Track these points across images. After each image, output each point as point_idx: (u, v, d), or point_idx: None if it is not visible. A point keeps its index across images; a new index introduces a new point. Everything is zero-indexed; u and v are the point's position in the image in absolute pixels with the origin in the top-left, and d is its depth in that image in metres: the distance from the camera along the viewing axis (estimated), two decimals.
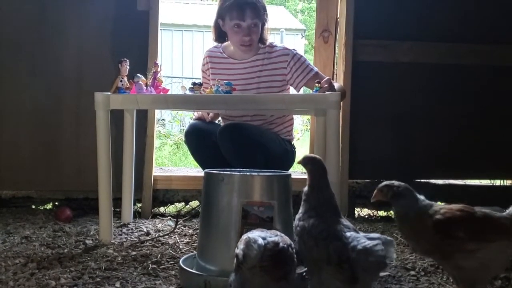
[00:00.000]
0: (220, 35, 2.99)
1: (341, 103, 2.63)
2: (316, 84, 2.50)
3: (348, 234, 1.64)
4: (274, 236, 1.56)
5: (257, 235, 1.53)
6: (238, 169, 2.16)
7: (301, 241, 1.67)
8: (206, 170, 2.06)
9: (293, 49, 2.99)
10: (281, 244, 1.53)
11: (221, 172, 1.98)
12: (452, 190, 3.35)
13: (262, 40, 2.95)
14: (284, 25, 12.91)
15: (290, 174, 2.05)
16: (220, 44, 3.06)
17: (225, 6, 2.86)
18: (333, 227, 1.65)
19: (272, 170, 2.10)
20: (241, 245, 1.49)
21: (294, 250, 1.60)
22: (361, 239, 1.61)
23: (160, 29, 3.24)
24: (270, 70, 2.93)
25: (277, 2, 17.37)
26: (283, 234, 1.61)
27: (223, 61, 3.01)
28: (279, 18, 13.43)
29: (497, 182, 3.52)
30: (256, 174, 1.97)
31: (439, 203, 1.87)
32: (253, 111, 2.89)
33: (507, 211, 1.69)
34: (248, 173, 1.99)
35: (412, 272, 2.09)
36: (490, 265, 1.61)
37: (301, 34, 13.90)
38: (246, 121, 2.94)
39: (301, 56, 2.96)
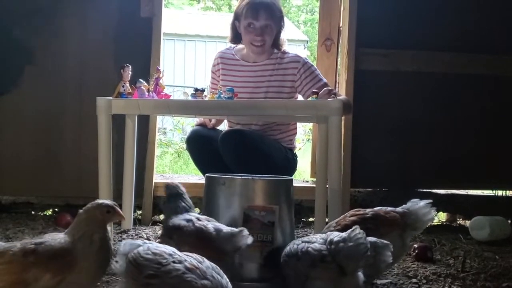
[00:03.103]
0: (236, 36, 3.03)
1: None
2: (314, 96, 2.46)
3: (321, 235, 1.73)
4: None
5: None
6: (239, 174, 2.15)
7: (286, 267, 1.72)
8: (207, 174, 2.05)
9: (305, 58, 3.01)
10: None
11: (223, 176, 1.97)
12: (454, 200, 3.34)
13: (276, 45, 2.97)
14: (287, 36, 12.88)
15: (292, 179, 2.04)
16: (232, 46, 3.09)
17: (241, 6, 2.91)
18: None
19: (274, 175, 2.10)
20: None
21: None
22: (336, 233, 1.68)
23: (163, 39, 3.25)
24: (280, 76, 2.94)
25: None
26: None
27: (234, 62, 3.02)
28: None
29: (499, 193, 3.50)
30: (258, 178, 1.96)
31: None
32: (257, 117, 2.89)
33: (401, 207, 1.98)
34: (249, 177, 1.98)
35: (414, 280, 2.08)
36: None
37: (304, 45, 13.96)
38: (251, 127, 2.94)
39: (312, 65, 2.98)
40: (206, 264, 1.42)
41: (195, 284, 1.34)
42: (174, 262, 1.39)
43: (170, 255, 1.41)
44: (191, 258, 1.42)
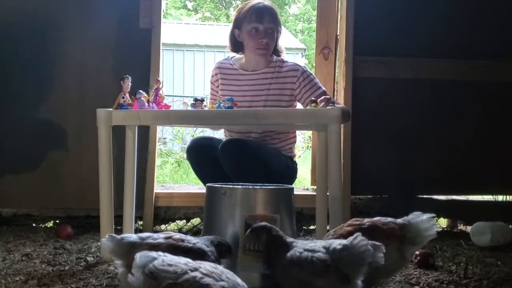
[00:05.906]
0: (236, 45, 3.03)
1: None
2: (312, 104, 2.47)
3: (321, 242, 1.71)
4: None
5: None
6: (240, 183, 2.15)
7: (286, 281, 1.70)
8: (208, 184, 2.05)
9: (304, 66, 3.03)
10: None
11: (224, 186, 1.97)
12: (455, 205, 3.34)
13: (276, 51, 3.00)
14: (285, 45, 12.94)
15: (292, 188, 2.04)
16: (230, 57, 3.11)
17: (242, 12, 2.94)
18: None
19: (275, 184, 2.10)
20: None
21: None
22: (337, 240, 1.67)
23: (162, 49, 3.26)
24: (280, 84, 2.95)
25: None
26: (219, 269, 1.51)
27: (233, 72, 3.04)
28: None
29: (500, 198, 3.50)
30: (258, 187, 1.97)
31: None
32: (256, 126, 2.90)
33: (402, 218, 1.88)
34: (250, 187, 1.99)
35: (417, 287, 2.07)
36: (386, 265, 1.69)
37: (301, 54, 14.00)
38: (250, 136, 2.95)
39: (311, 73, 2.99)
40: (221, 269, 1.48)
41: (213, 285, 1.39)
42: (190, 270, 1.44)
43: (185, 264, 1.47)
44: (205, 265, 1.47)
